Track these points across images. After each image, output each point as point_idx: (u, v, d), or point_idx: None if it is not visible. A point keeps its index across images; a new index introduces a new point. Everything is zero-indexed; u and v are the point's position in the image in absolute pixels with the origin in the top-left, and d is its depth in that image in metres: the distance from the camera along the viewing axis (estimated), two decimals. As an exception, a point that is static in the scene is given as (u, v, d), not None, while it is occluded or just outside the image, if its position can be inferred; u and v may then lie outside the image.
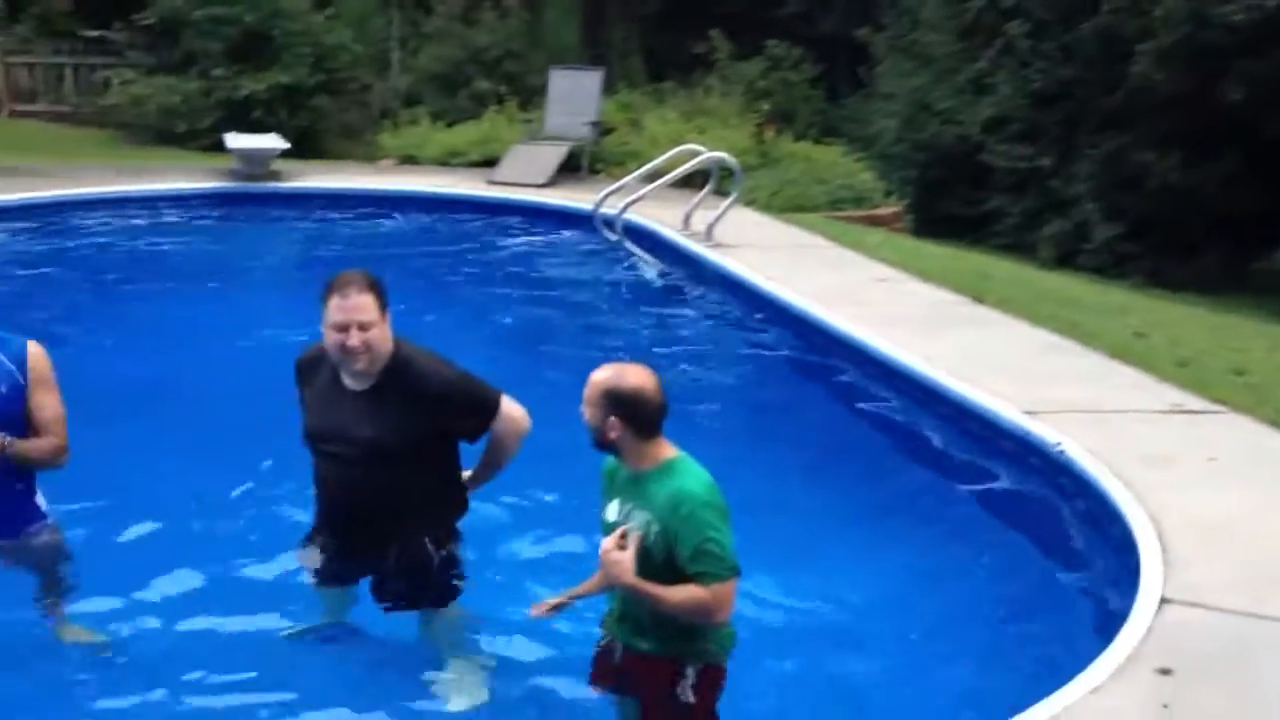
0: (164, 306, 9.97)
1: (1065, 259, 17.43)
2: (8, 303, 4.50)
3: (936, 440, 7.18)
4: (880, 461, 7.19)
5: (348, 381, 4.27)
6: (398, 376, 4.23)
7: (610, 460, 3.95)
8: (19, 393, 4.38)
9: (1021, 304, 9.64)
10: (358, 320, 4.10)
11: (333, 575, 4.65)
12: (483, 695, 4.41)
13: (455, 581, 4.55)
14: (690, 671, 3.81)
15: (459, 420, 4.32)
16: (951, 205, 19.11)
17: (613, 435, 3.76)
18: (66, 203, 13.23)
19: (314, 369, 4.39)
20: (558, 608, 4.20)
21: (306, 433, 4.39)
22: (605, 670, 4.05)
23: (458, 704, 4.36)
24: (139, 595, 5.04)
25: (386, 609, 4.54)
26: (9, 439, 4.27)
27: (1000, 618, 5.41)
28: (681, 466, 3.79)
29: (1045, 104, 18.86)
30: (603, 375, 3.79)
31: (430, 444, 4.31)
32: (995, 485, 6.59)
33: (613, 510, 3.88)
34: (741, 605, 4.66)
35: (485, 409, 4.35)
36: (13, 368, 4.39)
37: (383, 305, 4.17)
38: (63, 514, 4.77)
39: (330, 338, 4.15)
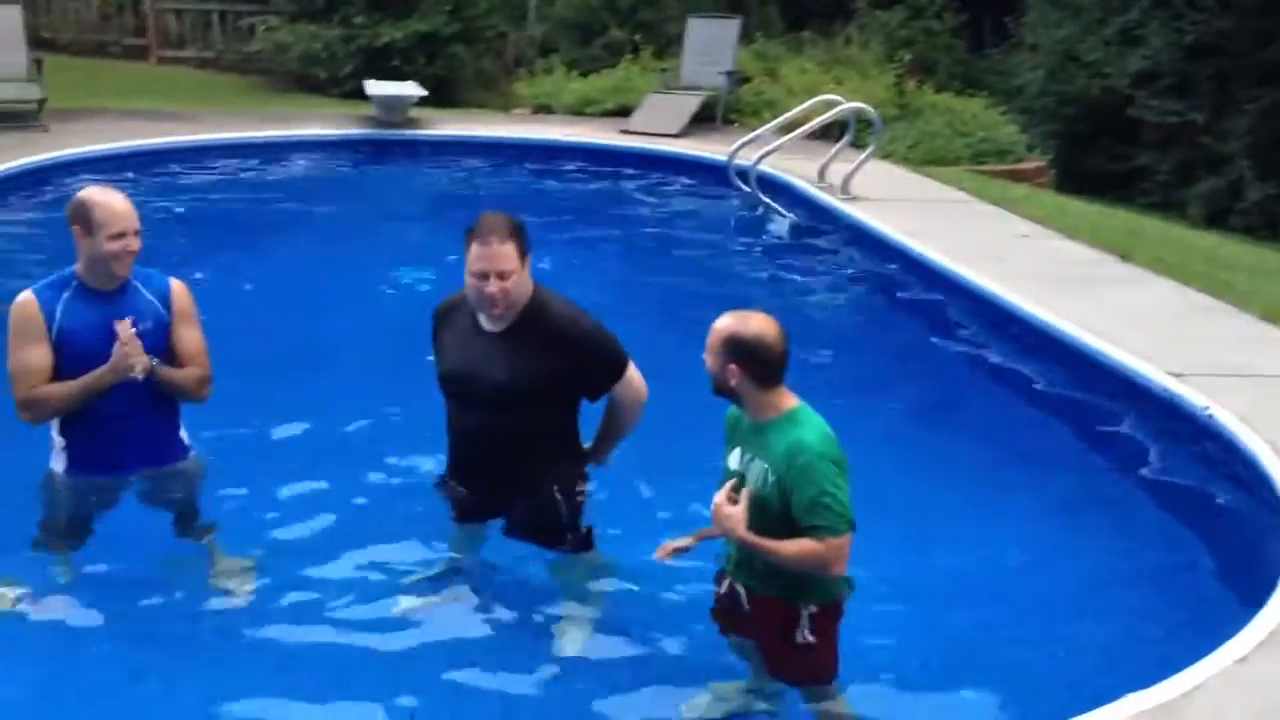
0: (302, 250, 10.16)
1: (1216, 218, 16.80)
2: (152, 243, 4.58)
3: (1077, 401, 6.99)
4: (1015, 422, 7.01)
5: (485, 324, 4.30)
6: (534, 320, 4.25)
7: (734, 409, 3.94)
8: (164, 329, 4.52)
9: (1171, 263, 9.32)
10: (497, 269, 4.12)
11: (462, 517, 4.70)
12: (586, 640, 4.43)
13: (582, 530, 4.58)
14: (805, 614, 3.80)
15: (587, 371, 4.31)
16: (1098, 161, 18.53)
17: (732, 383, 3.74)
18: (210, 147, 13.56)
19: (453, 313, 4.43)
20: (681, 550, 4.21)
21: (441, 375, 4.42)
22: (725, 612, 4.06)
23: (567, 649, 4.40)
24: (274, 529, 5.14)
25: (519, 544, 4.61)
26: (156, 362, 4.38)
27: (1139, 583, 5.23)
28: (801, 417, 3.76)
29: (1198, 57, 18.11)
30: (724, 322, 3.76)
31: (558, 391, 4.31)
32: (1137, 448, 6.38)
33: (734, 458, 3.88)
34: (861, 557, 4.62)
35: (615, 366, 4.34)
36: (158, 304, 4.51)
37: (523, 252, 4.18)
38: (202, 449, 4.89)
39: (470, 284, 4.19)
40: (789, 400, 3.80)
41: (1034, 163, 15.09)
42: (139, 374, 4.31)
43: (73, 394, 4.36)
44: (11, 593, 4.49)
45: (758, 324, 3.74)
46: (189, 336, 4.57)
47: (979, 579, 5.17)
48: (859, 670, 4.13)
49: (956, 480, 6.04)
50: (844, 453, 3.73)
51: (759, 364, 3.71)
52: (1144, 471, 6.17)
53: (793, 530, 3.67)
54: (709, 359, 3.78)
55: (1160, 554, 5.46)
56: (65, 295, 4.42)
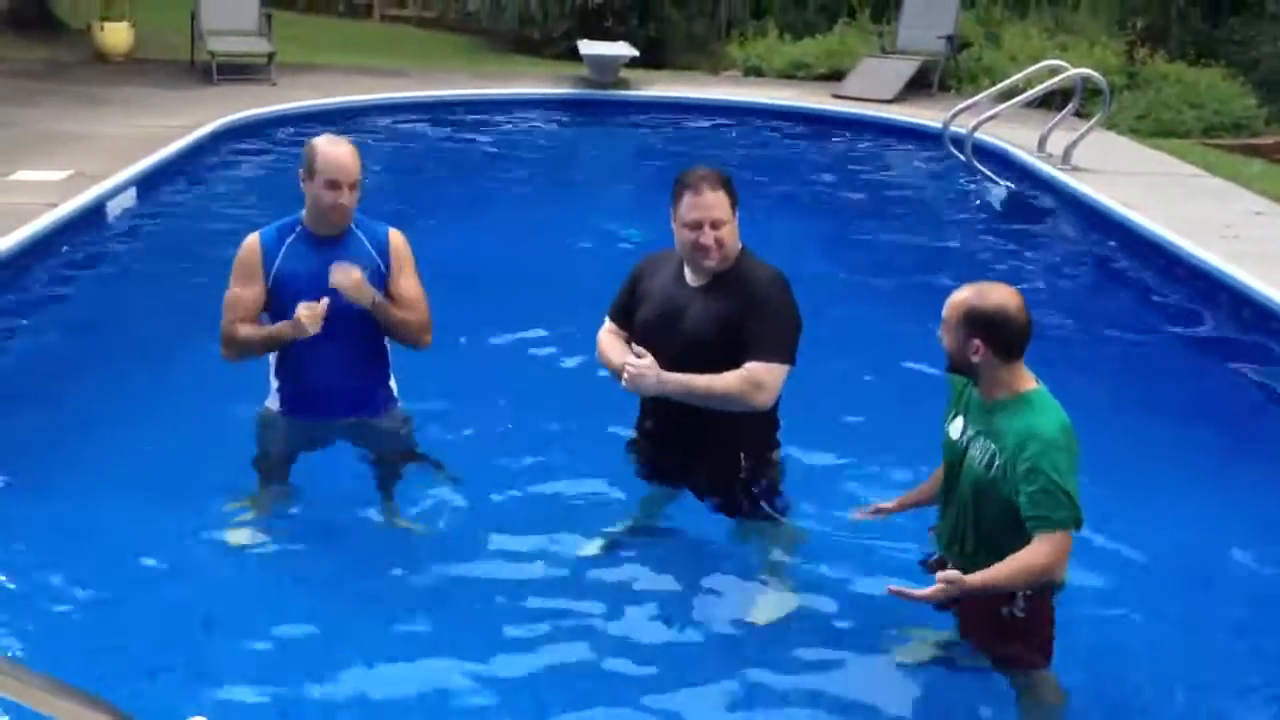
0: (509, 206, 10.25)
1: None
2: (370, 192, 4.65)
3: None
4: (1245, 411, 6.61)
5: (689, 278, 4.24)
6: (737, 276, 4.15)
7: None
8: (381, 281, 4.58)
9: None
10: (711, 218, 4.04)
11: (649, 478, 4.66)
12: (784, 610, 4.29)
13: (770, 498, 4.46)
14: (1020, 596, 3.62)
15: (754, 333, 4.08)
16: (1342, 139, 17.35)
17: (975, 359, 3.56)
18: (426, 104, 13.86)
19: (658, 266, 4.37)
20: (882, 512, 4.17)
21: (638, 324, 4.35)
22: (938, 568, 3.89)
23: (760, 617, 4.27)
24: (461, 478, 5.13)
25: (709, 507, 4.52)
26: (379, 296, 4.46)
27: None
28: (1037, 402, 3.57)
29: None
30: (961, 295, 3.60)
31: (744, 347, 4.13)
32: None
33: (955, 428, 3.74)
34: (1091, 550, 4.40)
35: (773, 347, 4.08)
36: (377, 258, 4.59)
37: (734, 203, 4.11)
38: (407, 402, 4.95)
39: (682, 235, 4.11)
40: (1027, 381, 3.62)
41: (1273, 137, 14.21)
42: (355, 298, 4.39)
43: (257, 339, 4.51)
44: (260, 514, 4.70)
45: (998, 295, 3.57)
46: (408, 285, 4.62)
47: (1195, 567, 4.88)
48: (1078, 661, 3.95)
49: (1174, 465, 5.72)
50: (1079, 445, 3.54)
51: (1002, 338, 3.53)
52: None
53: (1015, 517, 3.51)
54: (946, 336, 3.62)
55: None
56: (289, 239, 4.54)
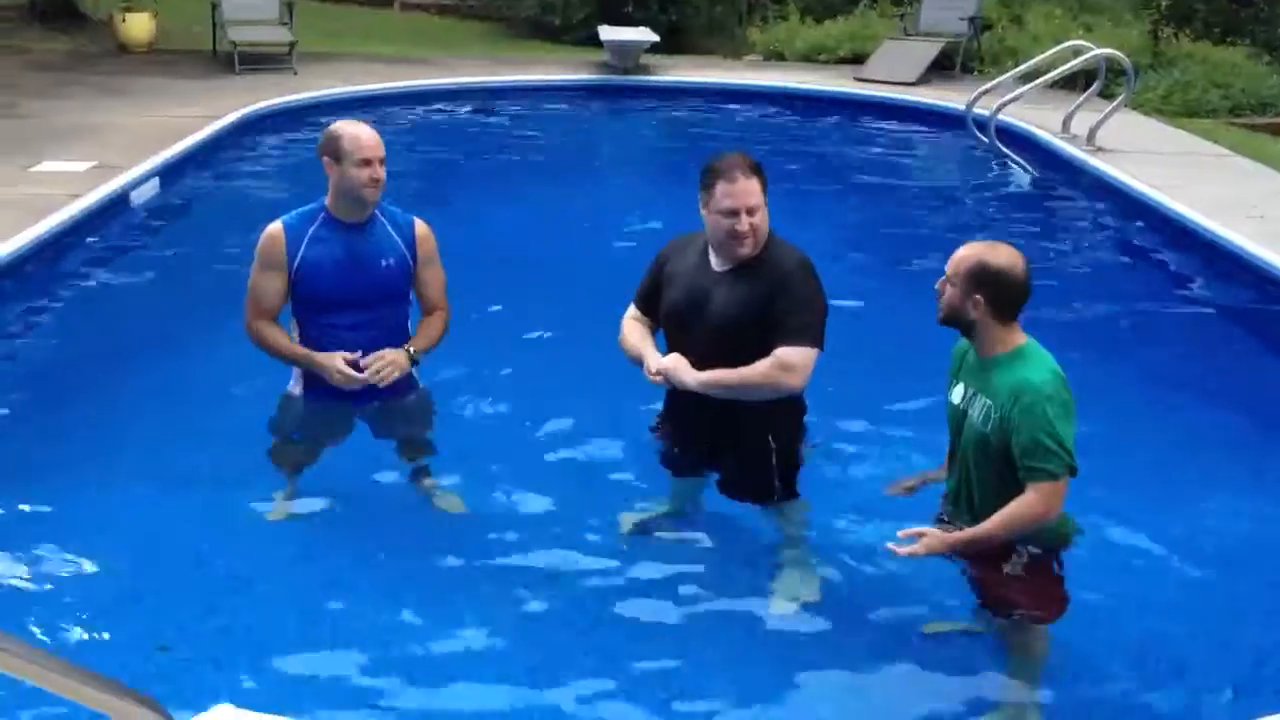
0: (529, 192, 10.22)
1: None
2: (392, 178, 4.65)
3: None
4: (1270, 390, 6.55)
5: (714, 263, 4.22)
6: (763, 258, 4.13)
7: (962, 343, 3.88)
8: (406, 268, 4.64)
9: None
10: (747, 205, 4.02)
11: (675, 462, 4.64)
12: (806, 592, 4.27)
13: (792, 481, 4.46)
14: (1024, 552, 3.73)
15: (781, 318, 4.06)
16: (1370, 117, 17.16)
17: (974, 314, 3.65)
18: (445, 91, 13.86)
19: (684, 250, 4.35)
20: (908, 489, 4.26)
21: (664, 312, 4.34)
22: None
23: (782, 599, 4.24)
24: (487, 465, 5.14)
25: (730, 497, 4.53)
26: (413, 350, 4.61)
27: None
28: (1029, 355, 3.67)
29: None
30: (972, 250, 3.70)
31: (770, 329, 4.11)
32: None
33: (957, 393, 3.85)
34: (1098, 525, 4.38)
35: (800, 330, 4.05)
36: (403, 246, 4.61)
37: (765, 188, 4.09)
38: (426, 383, 4.99)
39: (716, 223, 4.08)
40: (1020, 337, 3.72)
41: (1299, 117, 14.08)
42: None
43: (283, 352, 4.62)
44: (286, 505, 4.70)
45: (1006, 254, 3.67)
46: (433, 278, 4.73)
47: (1203, 550, 4.80)
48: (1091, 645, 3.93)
49: (1204, 450, 5.68)
50: (1072, 394, 3.62)
51: (1002, 296, 3.63)
52: None
53: (1011, 469, 3.61)
54: (949, 289, 3.69)
55: None
56: (313, 227, 4.55)
